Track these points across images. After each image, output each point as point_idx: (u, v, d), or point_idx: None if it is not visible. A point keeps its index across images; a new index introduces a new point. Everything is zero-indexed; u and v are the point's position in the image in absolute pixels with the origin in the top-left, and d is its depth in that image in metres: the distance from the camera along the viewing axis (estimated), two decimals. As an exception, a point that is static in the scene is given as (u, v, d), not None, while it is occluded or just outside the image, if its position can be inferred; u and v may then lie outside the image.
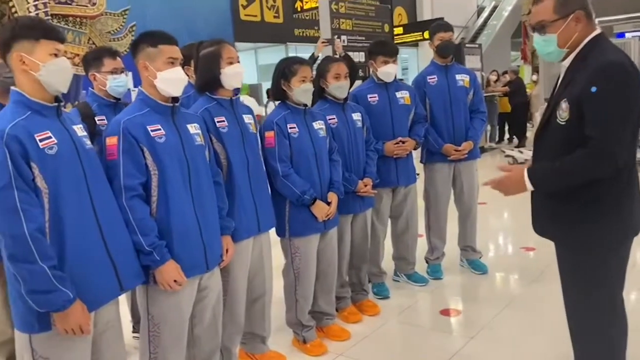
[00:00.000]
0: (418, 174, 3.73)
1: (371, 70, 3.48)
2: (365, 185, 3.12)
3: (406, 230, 3.67)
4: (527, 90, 11.87)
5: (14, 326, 2.14)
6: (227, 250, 2.33)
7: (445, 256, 4.01)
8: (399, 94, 3.46)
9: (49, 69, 1.73)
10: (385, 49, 3.44)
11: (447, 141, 3.71)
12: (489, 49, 16.82)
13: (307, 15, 12.39)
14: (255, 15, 13.87)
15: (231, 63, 2.43)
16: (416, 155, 3.70)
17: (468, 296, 3.71)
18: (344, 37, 8.98)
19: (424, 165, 3.89)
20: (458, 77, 3.77)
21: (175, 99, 2.16)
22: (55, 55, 1.75)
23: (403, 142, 3.43)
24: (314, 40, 15.28)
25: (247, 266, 2.56)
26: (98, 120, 2.72)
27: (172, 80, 2.08)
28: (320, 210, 2.77)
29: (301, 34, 14.91)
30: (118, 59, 2.86)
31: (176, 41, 2.12)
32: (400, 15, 17.13)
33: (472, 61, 9.84)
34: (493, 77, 11.46)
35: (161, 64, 2.06)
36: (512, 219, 5.83)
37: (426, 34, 14.01)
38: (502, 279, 3.98)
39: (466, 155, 3.75)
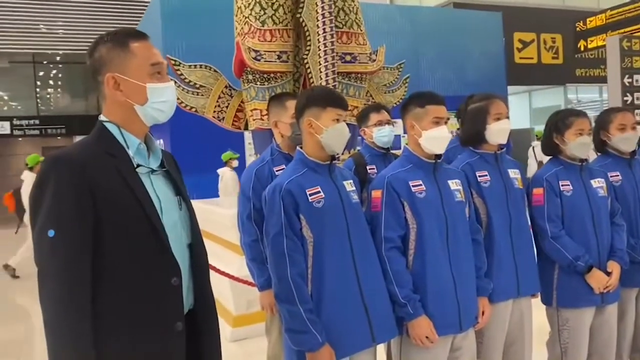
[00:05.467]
0: None
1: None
2: (657, 256, 2.62)
3: None
4: None
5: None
6: (482, 313, 2.23)
7: None
8: None
9: (330, 133, 1.96)
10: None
11: None
12: None
13: (591, 54, 11.31)
14: (532, 58, 13.33)
15: (498, 119, 2.37)
16: None
17: None
18: (637, 77, 7.90)
19: None
20: None
21: (438, 156, 2.19)
22: (337, 120, 1.97)
23: None
24: (598, 80, 13.88)
25: (504, 331, 2.39)
26: (369, 169, 2.95)
27: (436, 139, 2.13)
28: (598, 280, 2.43)
29: (583, 74, 13.72)
30: (383, 112, 3.07)
31: (443, 101, 2.17)
32: None
33: None
34: None
35: (427, 124, 2.13)
36: None
37: None
38: None
39: None
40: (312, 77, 4.61)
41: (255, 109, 4.63)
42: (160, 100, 1.48)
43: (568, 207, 2.49)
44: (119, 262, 1.36)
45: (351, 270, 1.93)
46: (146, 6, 15.42)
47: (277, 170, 2.56)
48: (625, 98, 7.77)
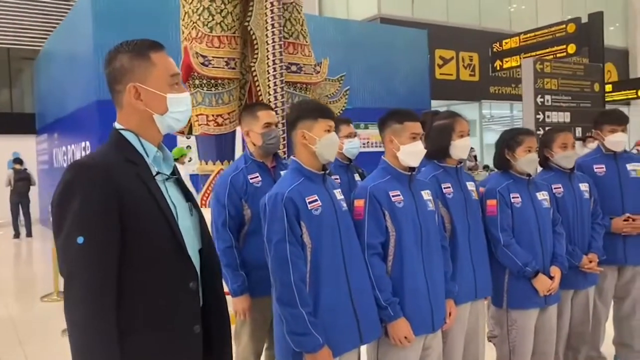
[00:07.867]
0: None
1: (598, 140, 3.34)
2: (590, 261, 2.95)
3: (632, 314, 3.32)
4: None
5: (256, 356, 2.48)
6: (450, 314, 2.41)
7: (678, 348, 3.52)
8: (630, 166, 3.23)
9: (323, 143, 2.06)
10: (613, 117, 3.29)
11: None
12: None
13: (504, 74, 12.20)
14: (451, 74, 14.10)
15: (462, 136, 2.57)
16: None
17: None
18: (547, 97, 8.64)
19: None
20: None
21: (412, 168, 2.35)
22: (328, 131, 2.07)
23: (633, 219, 3.16)
24: (510, 97, 14.99)
25: (465, 330, 2.59)
26: (333, 178, 3.06)
27: (413, 153, 2.28)
28: (543, 284, 2.69)
29: (497, 91, 14.72)
30: (351, 125, 3.21)
31: (419, 118, 2.33)
32: (609, 72, 15.90)
33: None
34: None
35: (405, 139, 2.28)
36: None
37: (642, 92, 12.83)
38: None
39: None
40: (258, 85, 4.66)
41: (201, 114, 4.61)
42: (179, 110, 1.50)
43: (517, 217, 2.74)
44: (142, 266, 1.37)
45: (342, 275, 2.03)
46: (68, 3, 14.65)
47: (251, 178, 2.60)
48: (537, 116, 8.45)
